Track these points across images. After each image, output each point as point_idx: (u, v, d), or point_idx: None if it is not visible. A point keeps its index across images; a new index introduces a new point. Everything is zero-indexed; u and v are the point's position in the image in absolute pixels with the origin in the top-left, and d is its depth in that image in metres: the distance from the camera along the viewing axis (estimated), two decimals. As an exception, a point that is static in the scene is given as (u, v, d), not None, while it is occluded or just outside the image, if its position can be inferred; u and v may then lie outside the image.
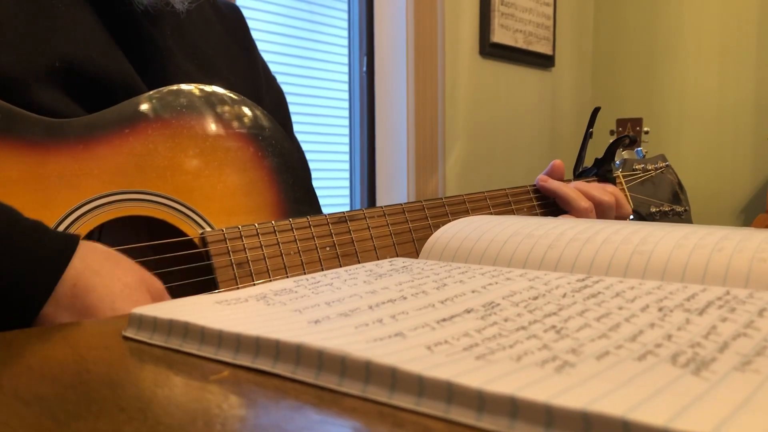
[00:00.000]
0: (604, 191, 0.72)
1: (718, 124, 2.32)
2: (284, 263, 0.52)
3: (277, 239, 0.52)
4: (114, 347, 0.26)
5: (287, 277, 0.51)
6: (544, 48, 2.32)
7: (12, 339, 0.27)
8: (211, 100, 0.57)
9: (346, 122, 1.94)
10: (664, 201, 0.89)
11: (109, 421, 0.18)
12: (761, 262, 0.32)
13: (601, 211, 0.71)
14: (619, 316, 0.24)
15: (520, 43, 2.21)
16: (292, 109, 0.81)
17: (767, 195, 2.15)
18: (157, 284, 0.42)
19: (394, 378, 0.19)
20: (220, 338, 0.23)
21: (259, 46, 0.78)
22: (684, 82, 2.38)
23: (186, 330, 0.25)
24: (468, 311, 0.26)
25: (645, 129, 2.20)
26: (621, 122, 2.24)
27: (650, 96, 2.45)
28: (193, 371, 0.22)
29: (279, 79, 0.82)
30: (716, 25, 2.31)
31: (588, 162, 0.87)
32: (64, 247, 0.37)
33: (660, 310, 0.25)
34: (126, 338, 0.27)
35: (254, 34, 0.78)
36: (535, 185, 0.75)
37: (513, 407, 0.16)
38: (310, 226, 0.54)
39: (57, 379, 0.21)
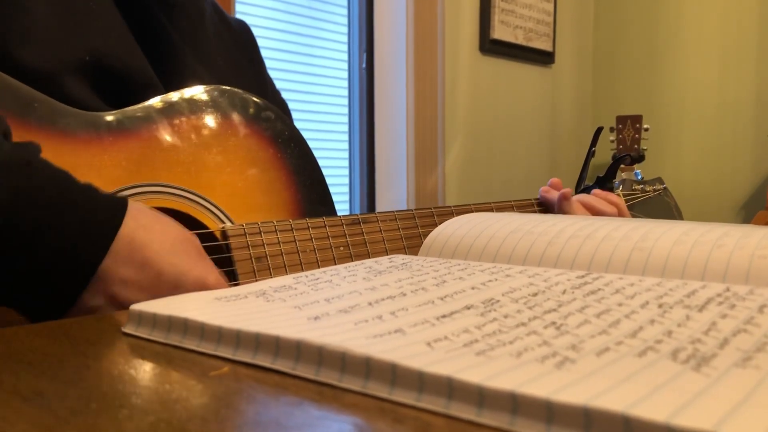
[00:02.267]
0: (606, 203, 0.73)
1: (718, 121, 2.31)
2: (300, 260, 0.54)
3: (294, 237, 0.54)
4: (114, 343, 0.26)
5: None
6: (544, 44, 2.32)
7: (12, 335, 0.27)
8: (235, 102, 0.59)
9: (346, 119, 1.94)
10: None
11: (109, 417, 0.18)
12: (761, 259, 0.32)
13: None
14: (619, 312, 0.24)
15: (520, 40, 2.21)
16: (291, 105, 0.81)
17: (767, 192, 2.15)
18: (198, 242, 0.43)
19: (394, 374, 0.19)
20: (219, 334, 0.23)
21: (259, 42, 0.78)
22: (684, 79, 2.37)
23: (186, 326, 0.25)
24: (468, 308, 0.26)
25: (645, 126, 2.20)
26: (621, 119, 2.24)
27: (650, 93, 2.45)
28: (193, 367, 0.22)
29: (279, 75, 0.82)
30: (717, 21, 2.30)
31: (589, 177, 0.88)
32: (116, 206, 0.38)
33: (660, 306, 0.25)
34: (126, 334, 0.27)
35: (254, 31, 0.78)
36: (539, 200, 0.75)
37: (513, 403, 0.16)
38: (325, 226, 0.56)
39: (57, 375, 0.21)
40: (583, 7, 2.56)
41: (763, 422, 0.15)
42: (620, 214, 0.74)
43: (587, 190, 0.86)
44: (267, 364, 0.22)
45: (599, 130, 0.91)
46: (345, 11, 1.93)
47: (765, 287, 0.28)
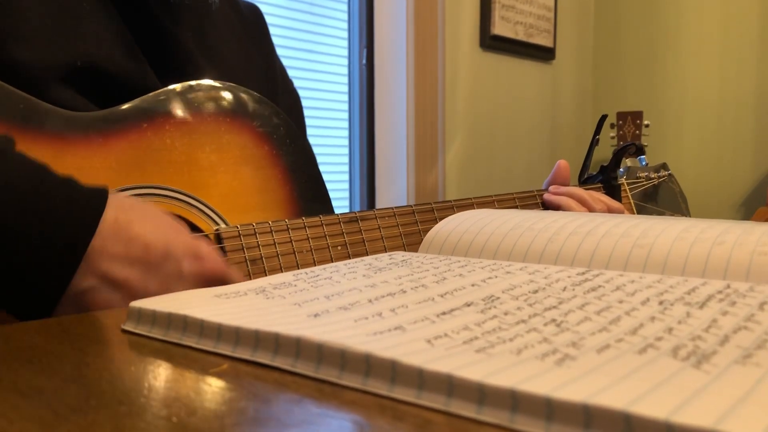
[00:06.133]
0: (596, 201, 0.72)
1: (718, 117, 2.31)
2: (297, 261, 0.53)
3: (290, 237, 0.53)
4: (113, 340, 0.26)
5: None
6: (544, 40, 2.31)
7: (11, 332, 0.27)
8: (229, 97, 0.58)
9: (346, 115, 1.94)
10: (666, 209, 0.90)
11: (108, 414, 0.18)
12: (762, 256, 0.32)
13: None
14: (619, 309, 0.24)
15: (521, 36, 2.20)
16: (292, 101, 0.80)
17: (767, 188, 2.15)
18: (182, 223, 0.43)
19: (394, 371, 0.19)
20: (219, 331, 0.23)
21: (258, 38, 0.78)
22: (685, 74, 2.37)
23: (185, 323, 0.25)
24: (468, 305, 0.25)
25: (645, 122, 2.19)
26: (621, 115, 2.23)
27: (651, 89, 2.45)
28: (192, 364, 0.22)
29: (279, 72, 0.81)
30: (717, 17, 2.30)
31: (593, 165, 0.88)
32: (97, 193, 0.38)
33: (660, 303, 0.25)
34: (125, 331, 0.27)
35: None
36: (541, 191, 0.75)
37: (513, 400, 0.16)
38: (322, 225, 0.55)
39: (56, 372, 0.21)
40: (583, 3, 2.56)
41: (764, 419, 0.15)
42: (610, 211, 0.73)
43: (591, 179, 0.85)
44: (266, 361, 0.22)
45: (603, 117, 0.89)
46: (345, 7, 1.93)
47: (765, 284, 0.28)
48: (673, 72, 2.40)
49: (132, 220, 0.38)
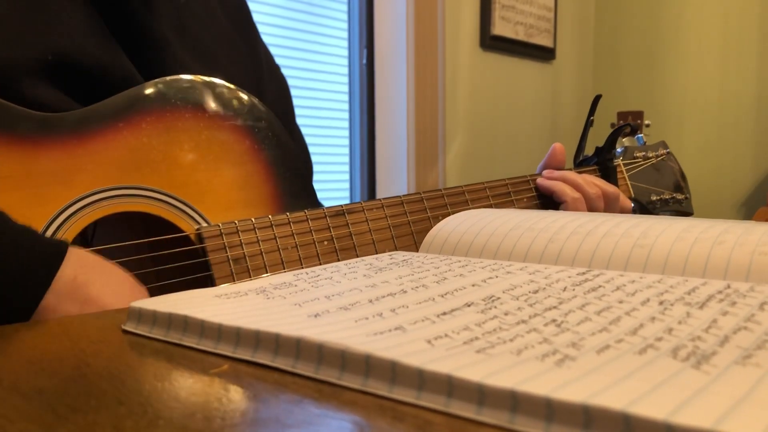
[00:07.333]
0: (592, 184, 0.71)
1: (719, 117, 2.31)
2: (282, 258, 0.51)
3: (274, 234, 0.52)
4: (113, 341, 0.26)
5: (285, 272, 0.51)
6: (545, 40, 2.31)
7: (11, 332, 0.27)
8: (206, 92, 0.56)
9: (346, 115, 1.94)
10: (665, 188, 0.88)
11: (108, 414, 0.18)
12: (762, 256, 0.32)
13: (590, 200, 0.70)
14: (619, 309, 0.24)
15: (521, 36, 2.20)
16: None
17: (768, 188, 2.15)
18: (143, 289, 0.42)
19: (394, 372, 0.19)
20: (219, 332, 0.23)
21: (258, 38, 0.77)
22: (685, 74, 2.37)
23: (185, 323, 0.25)
24: (468, 305, 0.25)
25: (646, 122, 2.19)
26: (622, 115, 2.23)
27: (651, 89, 2.45)
28: (193, 365, 0.22)
29: (278, 71, 0.81)
30: (718, 17, 2.30)
31: (589, 150, 0.87)
32: (57, 247, 0.37)
33: (661, 303, 0.25)
34: (125, 332, 0.27)
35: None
36: (534, 176, 0.73)
37: (513, 401, 0.16)
38: (307, 220, 0.54)
39: (57, 372, 0.21)
40: (583, 2, 2.56)
41: (763, 420, 0.15)
42: (606, 195, 0.71)
43: (586, 161, 0.84)
44: (267, 361, 0.22)
45: (598, 97, 0.87)
46: (345, 7, 1.93)
47: (766, 284, 0.28)
48: (673, 72, 2.40)
49: (91, 281, 0.36)
